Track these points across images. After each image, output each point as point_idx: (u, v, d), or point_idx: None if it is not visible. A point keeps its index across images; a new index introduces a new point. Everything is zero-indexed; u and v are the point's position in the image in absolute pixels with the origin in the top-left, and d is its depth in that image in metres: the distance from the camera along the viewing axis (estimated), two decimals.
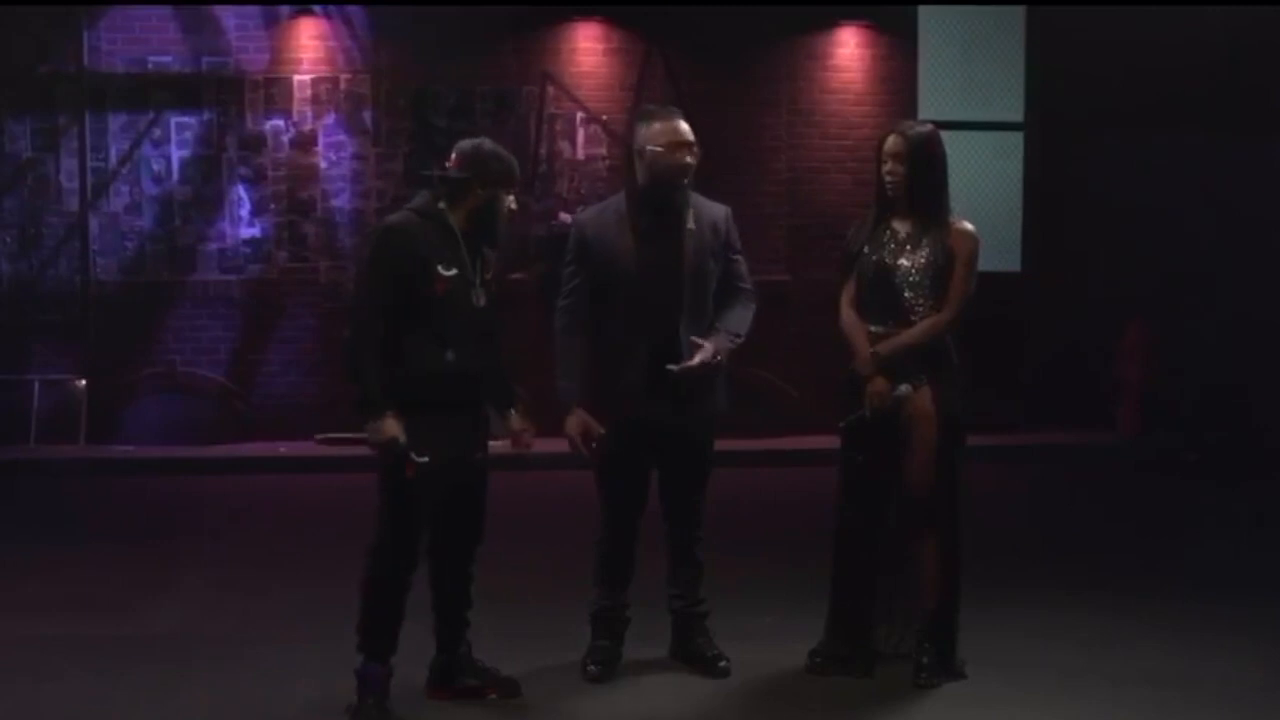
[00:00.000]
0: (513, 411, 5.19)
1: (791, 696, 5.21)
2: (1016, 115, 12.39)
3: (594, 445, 5.22)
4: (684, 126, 5.19)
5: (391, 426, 4.71)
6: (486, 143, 4.98)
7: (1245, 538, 8.14)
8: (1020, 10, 12.32)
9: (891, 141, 5.24)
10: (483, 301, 4.92)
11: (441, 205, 4.91)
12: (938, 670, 5.25)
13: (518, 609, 6.24)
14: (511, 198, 4.97)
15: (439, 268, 4.81)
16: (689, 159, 5.17)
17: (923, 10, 12.15)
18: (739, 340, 5.32)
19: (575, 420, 5.22)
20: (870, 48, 12.12)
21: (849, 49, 12.11)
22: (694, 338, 5.18)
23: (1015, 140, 12.41)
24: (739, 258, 5.43)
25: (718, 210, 5.38)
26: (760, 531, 7.95)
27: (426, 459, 4.77)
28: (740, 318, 5.36)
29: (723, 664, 5.41)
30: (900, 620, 5.44)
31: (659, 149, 5.13)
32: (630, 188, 5.28)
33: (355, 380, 4.81)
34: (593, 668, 5.34)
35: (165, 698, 5.16)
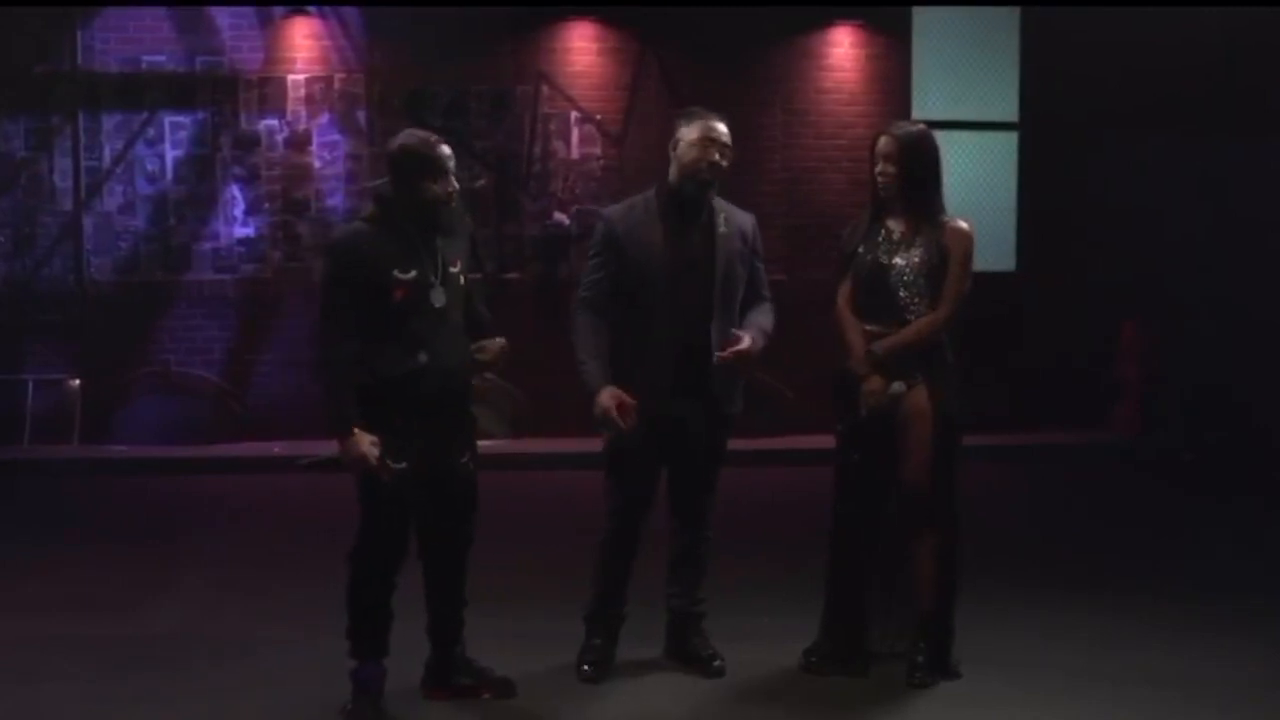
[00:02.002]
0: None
1: (787, 696, 5.20)
2: (1011, 115, 12.40)
3: (629, 418, 5.05)
4: (721, 127, 5.23)
5: (361, 443, 4.67)
6: (407, 137, 4.89)
7: (1244, 537, 8.14)
8: (1015, 11, 12.32)
9: (883, 142, 5.25)
10: (442, 301, 4.84)
11: (392, 209, 4.85)
12: (933, 670, 5.26)
13: (512, 609, 6.23)
14: (442, 183, 4.81)
15: (396, 272, 4.75)
16: (718, 157, 5.20)
17: (917, 9, 12.16)
18: (767, 338, 5.32)
19: (607, 394, 5.07)
20: (865, 47, 12.12)
21: (843, 48, 12.11)
22: (735, 330, 5.19)
23: (1010, 140, 12.41)
24: (761, 265, 5.46)
25: (746, 217, 5.42)
26: (757, 531, 7.94)
27: (404, 465, 4.76)
28: (766, 319, 5.37)
29: (718, 663, 5.41)
30: (896, 620, 5.45)
31: (691, 143, 5.17)
32: (661, 185, 5.29)
33: (325, 398, 4.80)
34: (587, 668, 5.33)
35: (165, 698, 5.16)
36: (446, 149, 4.85)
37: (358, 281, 4.74)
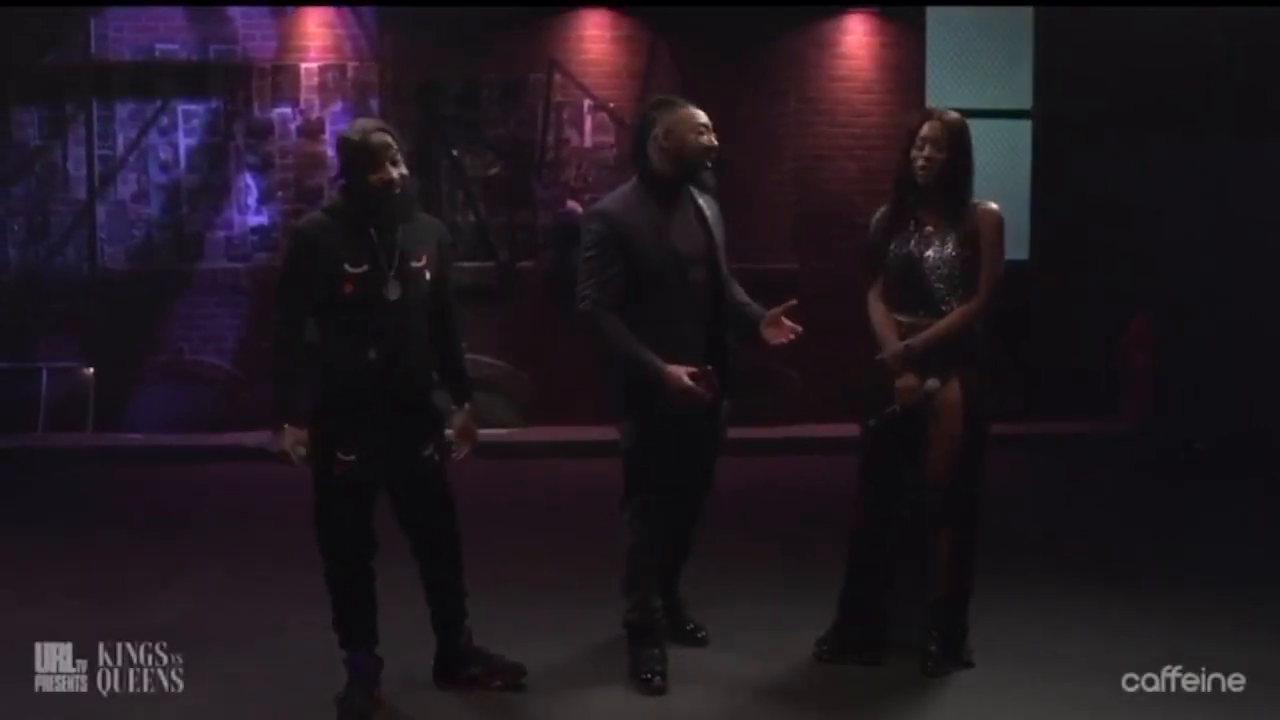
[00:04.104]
0: (464, 409, 5.09)
1: (800, 686, 5.20)
2: (1025, 103, 12.37)
3: (708, 384, 4.99)
4: (700, 111, 5.22)
5: (286, 439, 4.73)
6: (348, 127, 4.84)
7: (1254, 528, 8.12)
8: (1028, 10, 12.31)
9: (929, 127, 5.13)
10: (397, 294, 4.76)
11: (349, 201, 4.81)
12: (946, 659, 5.25)
13: (524, 597, 6.24)
14: (383, 171, 4.69)
15: (346, 266, 4.70)
16: (713, 140, 5.20)
17: (931, 8, 12.12)
18: None
19: (675, 372, 4.96)
20: (878, 35, 12.09)
21: (856, 36, 12.07)
22: (770, 311, 5.26)
23: (1023, 128, 12.39)
24: None
25: (710, 198, 5.42)
26: (765, 520, 7.94)
27: (354, 458, 4.75)
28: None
29: (702, 634, 5.52)
30: (911, 609, 5.42)
31: (688, 133, 5.13)
32: (647, 176, 5.22)
33: (272, 385, 4.82)
34: (657, 680, 5.14)
35: (174, 687, 5.16)
36: (385, 137, 4.74)
37: (310, 271, 4.73)
